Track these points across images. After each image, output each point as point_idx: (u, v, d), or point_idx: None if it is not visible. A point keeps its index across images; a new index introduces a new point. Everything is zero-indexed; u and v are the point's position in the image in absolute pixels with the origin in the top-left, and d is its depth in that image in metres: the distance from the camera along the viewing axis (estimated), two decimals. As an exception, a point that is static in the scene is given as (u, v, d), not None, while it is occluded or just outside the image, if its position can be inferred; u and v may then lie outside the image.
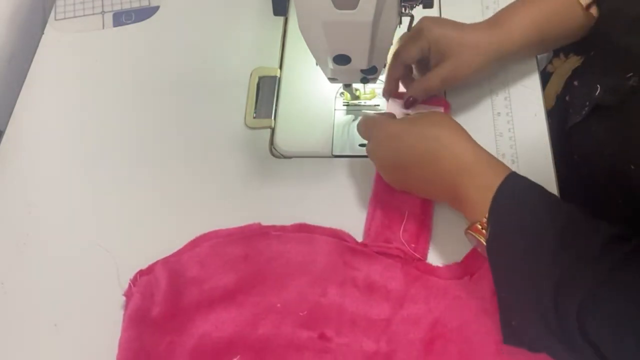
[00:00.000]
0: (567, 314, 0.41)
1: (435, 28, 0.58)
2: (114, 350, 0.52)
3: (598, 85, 0.58)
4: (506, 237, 0.47)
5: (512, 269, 0.47)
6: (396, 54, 0.60)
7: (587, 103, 0.60)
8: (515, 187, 0.48)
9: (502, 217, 0.47)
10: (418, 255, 0.55)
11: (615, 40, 0.58)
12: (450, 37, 0.58)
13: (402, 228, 0.56)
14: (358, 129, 0.59)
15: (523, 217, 0.47)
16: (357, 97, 0.66)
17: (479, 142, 0.55)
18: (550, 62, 0.73)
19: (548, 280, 0.43)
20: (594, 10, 0.59)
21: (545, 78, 0.73)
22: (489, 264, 0.49)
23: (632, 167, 0.54)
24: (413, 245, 0.55)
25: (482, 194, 0.48)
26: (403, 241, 0.55)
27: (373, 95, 0.66)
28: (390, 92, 0.63)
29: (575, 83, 0.66)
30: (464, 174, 0.50)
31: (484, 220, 0.48)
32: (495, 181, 0.48)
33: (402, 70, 0.61)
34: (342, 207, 0.60)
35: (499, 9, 0.70)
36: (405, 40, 0.60)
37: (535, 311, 0.45)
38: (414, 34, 0.59)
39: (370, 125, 0.57)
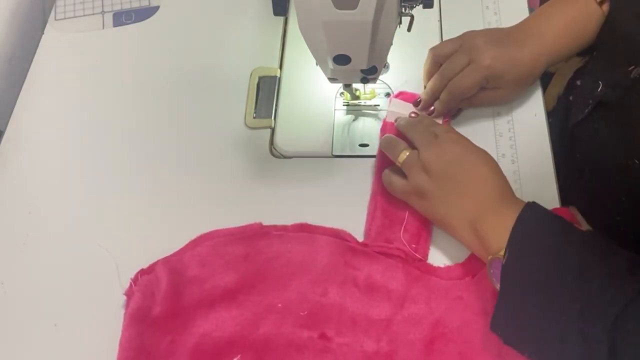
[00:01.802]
0: (594, 336, 0.41)
1: (492, 62, 0.59)
2: (115, 349, 0.52)
3: (600, 82, 0.59)
4: (525, 262, 0.47)
5: (530, 293, 0.46)
6: (456, 92, 0.60)
7: (590, 101, 0.60)
8: (535, 215, 0.49)
9: (522, 243, 0.47)
10: (419, 256, 0.55)
11: (619, 35, 0.58)
12: (506, 70, 0.60)
13: (402, 228, 0.57)
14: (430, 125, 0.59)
15: (543, 243, 0.47)
16: (357, 97, 0.66)
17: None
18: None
19: (572, 303, 0.43)
20: (605, 7, 0.60)
21: (547, 78, 0.73)
22: (499, 292, 0.48)
23: (636, 161, 0.55)
24: (414, 245, 0.56)
25: (506, 227, 0.49)
26: (404, 241, 0.56)
27: (373, 95, 0.66)
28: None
29: (578, 82, 0.67)
30: (501, 202, 0.52)
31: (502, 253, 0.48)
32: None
33: (458, 101, 0.62)
34: (342, 207, 0.60)
35: (499, 9, 0.70)
36: (462, 75, 0.60)
37: (555, 336, 0.44)
38: (464, 63, 0.60)
39: (442, 126, 0.58)
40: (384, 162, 0.60)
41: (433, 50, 0.63)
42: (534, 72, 0.61)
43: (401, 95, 0.65)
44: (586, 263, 0.44)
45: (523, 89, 0.64)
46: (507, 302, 0.47)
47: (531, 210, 0.49)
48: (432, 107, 0.62)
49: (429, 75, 0.63)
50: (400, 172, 0.58)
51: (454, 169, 0.53)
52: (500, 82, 0.60)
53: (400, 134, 0.61)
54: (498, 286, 0.49)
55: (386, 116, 0.65)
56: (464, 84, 0.60)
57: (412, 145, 0.58)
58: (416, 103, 0.64)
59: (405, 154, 0.57)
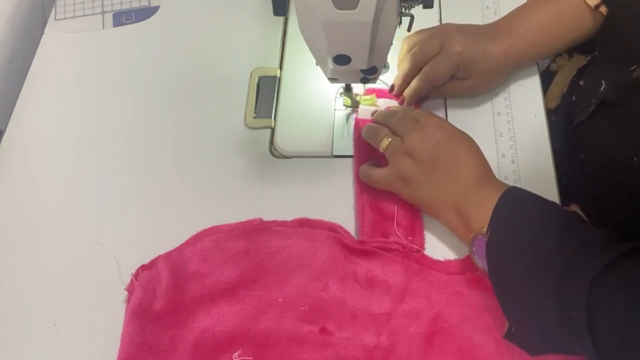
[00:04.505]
0: (571, 306, 0.43)
1: (464, 49, 0.61)
2: (116, 344, 0.54)
3: (602, 81, 0.60)
4: (506, 237, 0.49)
5: (512, 268, 0.49)
6: (426, 78, 0.62)
7: (593, 100, 0.62)
8: (516, 196, 0.52)
9: (503, 220, 0.50)
10: (416, 247, 0.57)
11: (621, 35, 0.60)
12: (476, 59, 0.62)
13: (395, 222, 0.58)
14: (409, 111, 0.61)
15: (524, 219, 0.50)
16: (358, 103, 0.67)
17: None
18: (553, 60, 0.75)
19: (549, 275, 0.45)
20: (603, 10, 0.61)
21: (548, 77, 0.75)
22: (488, 269, 0.51)
23: (635, 159, 0.56)
24: (410, 237, 0.58)
25: (488, 206, 0.51)
26: (399, 234, 0.57)
27: (373, 101, 0.67)
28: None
29: (581, 83, 0.68)
30: (483, 183, 0.54)
31: (485, 230, 0.51)
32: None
33: (429, 89, 0.64)
34: (342, 207, 0.61)
35: (499, 9, 0.72)
36: (434, 61, 0.62)
37: (537, 305, 0.46)
38: (436, 49, 0.62)
39: (424, 112, 0.61)
40: (362, 160, 0.62)
41: (407, 39, 0.65)
42: (504, 65, 0.63)
43: (371, 92, 0.67)
44: (563, 238, 0.46)
45: (492, 83, 0.66)
46: (492, 275, 0.50)
47: (513, 190, 0.52)
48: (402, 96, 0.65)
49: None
50: (375, 165, 0.60)
51: (438, 154, 0.55)
52: (470, 72, 0.62)
53: None
54: (479, 263, 0.52)
55: (357, 114, 0.67)
56: (436, 70, 0.62)
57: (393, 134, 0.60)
58: (391, 89, 0.66)
59: (387, 140, 0.58)
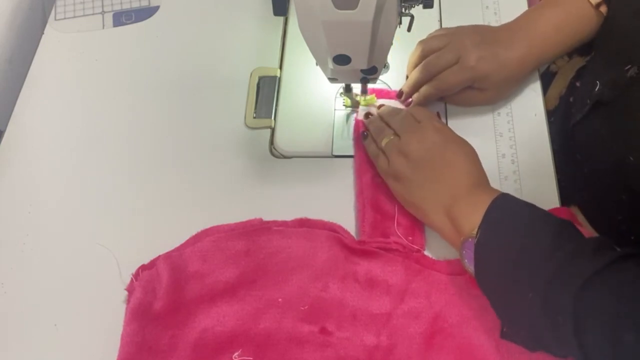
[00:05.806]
0: (558, 309, 0.43)
1: (478, 64, 0.61)
2: (116, 344, 0.54)
3: (597, 82, 0.60)
4: (496, 240, 0.50)
5: (500, 270, 0.49)
6: (438, 87, 0.63)
7: (588, 101, 0.62)
8: (509, 201, 0.52)
9: (494, 223, 0.50)
10: (417, 247, 0.57)
11: (617, 34, 0.60)
12: (492, 72, 0.62)
13: (395, 222, 0.58)
14: (413, 112, 0.61)
15: (515, 224, 0.50)
16: (358, 103, 0.67)
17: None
18: (553, 62, 0.75)
19: (538, 277, 0.45)
20: (603, 9, 0.62)
21: (548, 77, 0.75)
22: (475, 271, 0.51)
23: (632, 159, 0.56)
24: (410, 237, 0.58)
25: (480, 211, 0.51)
26: (399, 234, 0.57)
27: (373, 101, 0.67)
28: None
29: (578, 84, 0.68)
30: (477, 189, 0.54)
31: (475, 232, 0.51)
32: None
33: (438, 97, 0.65)
34: (342, 207, 0.61)
35: (499, 9, 0.72)
36: (449, 72, 0.62)
37: (524, 310, 0.47)
38: (452, 62, 0.61)
39: (427, 114, 0.60)
40: (362, 160, 0.63)
41: (422, 43, 0.65)
42: (520, 74, 0.64)
43: (371, 92, 0.67)
44: (555, 244, 0.47)
45: (509, 92, 0.66)
46: (480, 277, 0.50)
47: (506, 195, 0.52)
48: (410, 99, 0.65)
49: (414, 67, 0.65)
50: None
51: (433, 156, 0.56)
52: (487, 84, 0.62)
53: None
54: (469, 267, 0.52)
55: (357, 114, 0.67)
56: (449, 81, 0.62)
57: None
58: (399, 94, 0.66)
59: (388, 139, 0.59)
